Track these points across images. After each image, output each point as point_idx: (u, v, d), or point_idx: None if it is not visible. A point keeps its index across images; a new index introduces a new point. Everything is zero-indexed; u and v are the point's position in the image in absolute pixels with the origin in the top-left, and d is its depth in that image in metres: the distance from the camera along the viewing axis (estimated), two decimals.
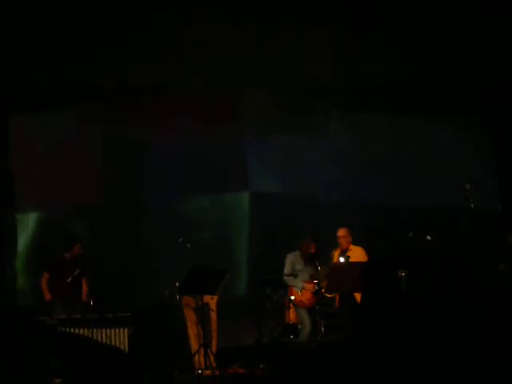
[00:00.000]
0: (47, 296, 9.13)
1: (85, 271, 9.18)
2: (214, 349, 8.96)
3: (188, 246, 8.98)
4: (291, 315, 9.26)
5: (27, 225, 10.55)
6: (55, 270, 9.21)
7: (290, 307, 9.24)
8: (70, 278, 8.90)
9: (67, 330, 8.26)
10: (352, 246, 9.33)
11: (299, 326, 9.08)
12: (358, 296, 8.95)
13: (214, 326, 9.13)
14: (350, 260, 9.21)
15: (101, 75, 9.87)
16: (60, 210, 10.49)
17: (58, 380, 7.70)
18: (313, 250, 9.49)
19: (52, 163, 10.42)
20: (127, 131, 10.45)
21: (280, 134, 10.52)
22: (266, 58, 9.46)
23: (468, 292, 8.65)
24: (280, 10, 8.44)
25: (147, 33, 8.84)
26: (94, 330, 8.31)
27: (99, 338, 8.30)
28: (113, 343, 8.33)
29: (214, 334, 9.13)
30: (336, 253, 9.39)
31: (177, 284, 8.70)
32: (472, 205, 8.84)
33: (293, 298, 9.15)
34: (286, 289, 9.28)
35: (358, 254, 9.27)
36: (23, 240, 10.53)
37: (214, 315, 9.15)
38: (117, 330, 8.40)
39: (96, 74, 9.84)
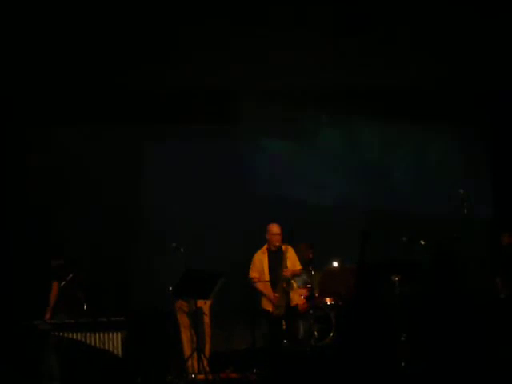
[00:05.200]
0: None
1: (77, 275, 9.09)
2: (207, 353, 8.95)
3: (182, 250, 8.96)
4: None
5: None
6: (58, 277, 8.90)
7: None
8: (63, 283, 8.83)
9: (61, 334, 8.26)
10: (285, 245, 9.13)
11: None
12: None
13: (207, 330, 9.12)
14: (288, 261, 9.01)
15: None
16: None
17: None
18: (311, 256, 9.51)
19: None
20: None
21: (275, 139, 10.55)
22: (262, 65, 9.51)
23: (461, 296, 8.70)
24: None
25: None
26: (88, 334, 8.29)
27: (93, 342, 8.29)
28: (106, 347, 8.32)
29: (208, 339, 9.12)
30: (265, 250, 9.17)
31: (170, 288, 8.70)
32: (465, 210, 8.92)
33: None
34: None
35: (293, 255, 9.15)
36: None
37: (207, 319, 9.14)
38: (110, 334, 8.38)
39: None
